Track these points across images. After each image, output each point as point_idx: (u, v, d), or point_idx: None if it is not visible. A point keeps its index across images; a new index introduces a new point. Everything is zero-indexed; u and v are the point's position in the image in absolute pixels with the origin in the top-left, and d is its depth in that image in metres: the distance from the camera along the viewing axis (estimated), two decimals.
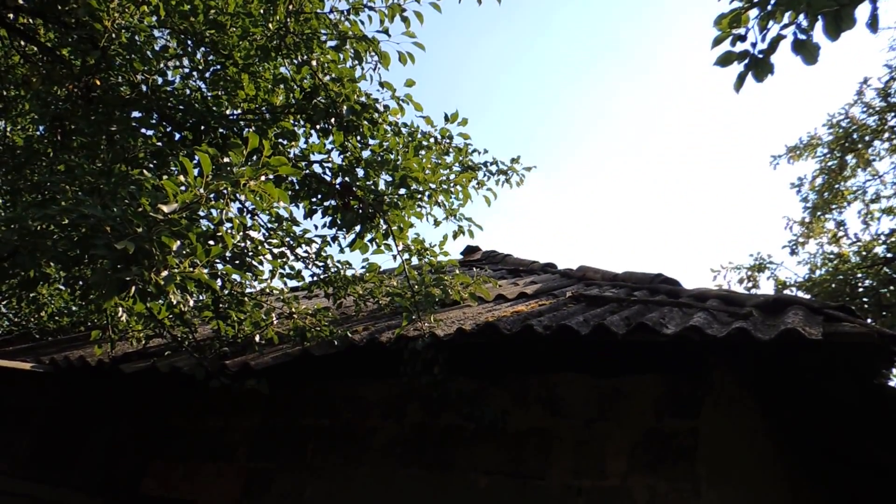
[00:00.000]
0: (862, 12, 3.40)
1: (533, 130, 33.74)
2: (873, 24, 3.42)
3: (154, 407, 5.61)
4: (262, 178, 2.27)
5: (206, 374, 3.86)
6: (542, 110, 32.86)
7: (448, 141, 4.77)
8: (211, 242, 2.69)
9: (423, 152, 4.73)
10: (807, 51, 3.09)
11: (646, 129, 31.95)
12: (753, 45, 3.32)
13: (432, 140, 4.67)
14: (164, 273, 2.15)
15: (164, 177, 2.19)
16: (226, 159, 2.21)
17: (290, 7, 4.21)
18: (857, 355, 3.22)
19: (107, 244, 2.10)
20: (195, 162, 2.31)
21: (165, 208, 2.08)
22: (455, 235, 5.10)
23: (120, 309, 3.90)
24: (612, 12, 28.73)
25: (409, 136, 4.54)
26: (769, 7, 3.20)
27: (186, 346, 4.05)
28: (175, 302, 2.46)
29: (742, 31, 3.31)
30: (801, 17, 3.40)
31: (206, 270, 2.92)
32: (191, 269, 2.23)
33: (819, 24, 3.36)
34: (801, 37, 3.11)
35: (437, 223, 5.00)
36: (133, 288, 2.30)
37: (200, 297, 4.57)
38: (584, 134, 33.80)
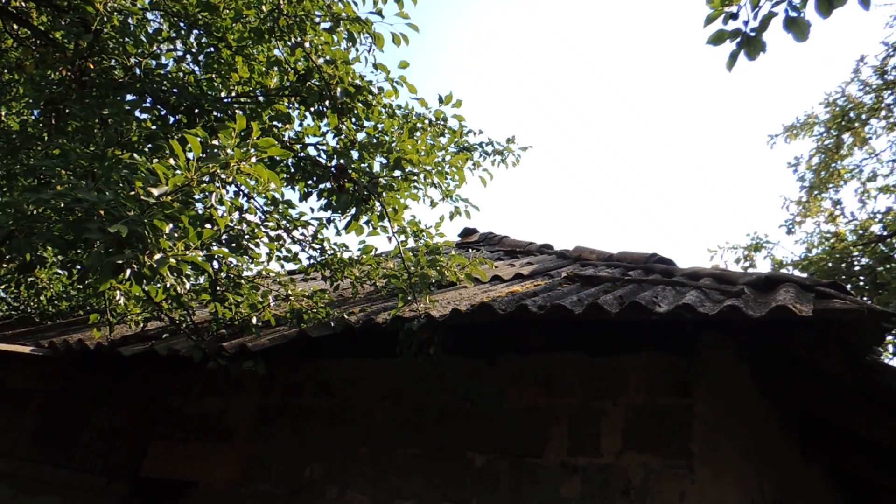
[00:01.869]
0: None
1: (530, 109, 33.61)
2: (865, 0, 3.42)
3: (153, 389, 5.66)
4: (253, 160, 2.28)
5: (204, 356, 3.90)
6: (539, 88, 32.72)
7: (442, 123, 4.77)
8: (208, 226, 2.71)
9: (417, 134, 4.73)
10: (798, 28, 3.09)
11: (643, 107, 31.83)
12: (745, 23, 3.31)
13: (427, 122, 4.67)
14: (158, 256, 2.16)
15: (156, 160, 2.19)
16: (215, 141, 2.22)
17: None
18: (849, 332, 3.24)
19: (100, 228, 2.11)
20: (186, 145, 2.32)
21: (156, 191, 2.09)
22: (451, 216, 5.11)
23: (118, 292, 3.92)
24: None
25: (404, 118, 4.54)
26: None
27: (184, 328, 4.08)
28: (169, 285, 2.48)
29: (734, 9, 3.31)
30: None
31: (201, 253, 2.94)
32: (184, 252, 2.25)
33: (811, 2, 3.36)
34: (793, 14, 3.11)
35: (433, 204, 5.01)
36: (128, 271, 2.32)
37: (199, 281, 4.59)
38: (582, 113, 33.68)
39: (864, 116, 10.78)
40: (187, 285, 3.22)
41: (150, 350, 4.45)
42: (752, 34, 3.34)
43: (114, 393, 5.47)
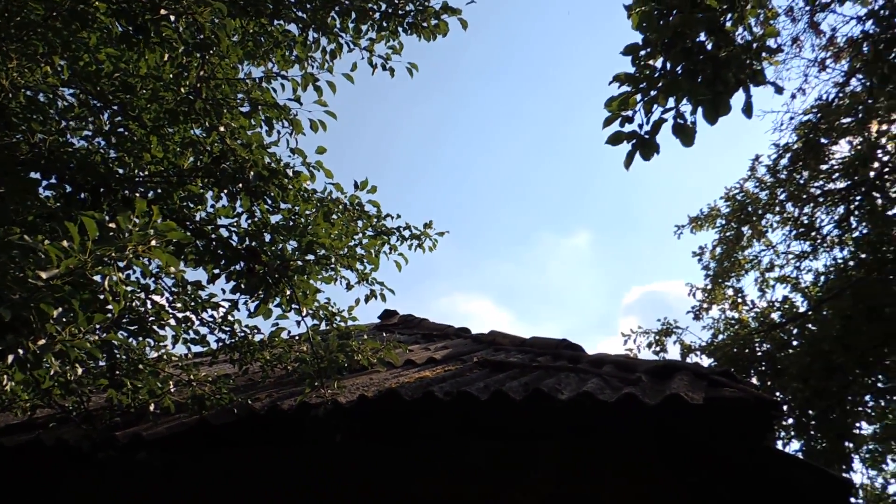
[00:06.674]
0: (739, 100, 3.73)
1: (453, 198, 34.40)
2: (748, 110, 3.75)
3: (41, 483, 5.24)
4: (154, 243, 2.24)
5: (94, 446, 3.67)
6: (461, 178, 33.65)
7: (358, 208, 4.83)
8: (109, 306, 2.61)
9: (334, 217, 4.76)
10: (684, 134, 3.35)
11: (563, 195, 33.12)
12: (640, 126, 3.57)
13: (342, 207, 4.72)
14: (42, 341, 2.07)
15: (47, 241, 2.13)
16: (112, 224, 2.18)
17: (202, 73, 4.23)
18: (741, 418, 3.38)
19: None
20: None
21: (44, 274, 2.03)
22: (367, 299, 5.11)
23: (5, 377, 3.68)
24: (526, 90, 30.10)
25: (319, 202, 4.58)
26: (652, 93, 3.47)
27: (74, 416, 3.85)
28: (53, 372, 2.37)
29: (629, 113, 3.56)
30: (686, 102, 3.70)
31: (95, 338, 2.82)
32: (71, 338, 2.16)
33: (700, 109, 3.67)
34: (680, 121, 3.39)
35: (349, 287, 5.01)
36: (10, 357, 2.21)
37: (101, 364, 4.37)
38: (504, 202, 34.71)
39: (760, 211, 11.59)
40: (79, 371, 3.06)
41: (36, 440, 4.16)
42: (647, 137, 3.60)
43: None
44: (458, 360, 5.10)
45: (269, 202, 4.39)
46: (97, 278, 2.19)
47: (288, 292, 4.10)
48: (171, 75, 4.41)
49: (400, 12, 5.44)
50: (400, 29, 5.48)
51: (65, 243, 2.21)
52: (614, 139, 3.64)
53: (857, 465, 11.59)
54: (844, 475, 9.55)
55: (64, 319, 2.17)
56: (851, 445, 10.50)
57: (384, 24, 5.45)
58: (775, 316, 11.57)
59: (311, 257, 4.26)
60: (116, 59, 4.38)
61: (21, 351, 2.23)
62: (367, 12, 5.32)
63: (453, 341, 6.54)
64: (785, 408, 10.19)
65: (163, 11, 3.41)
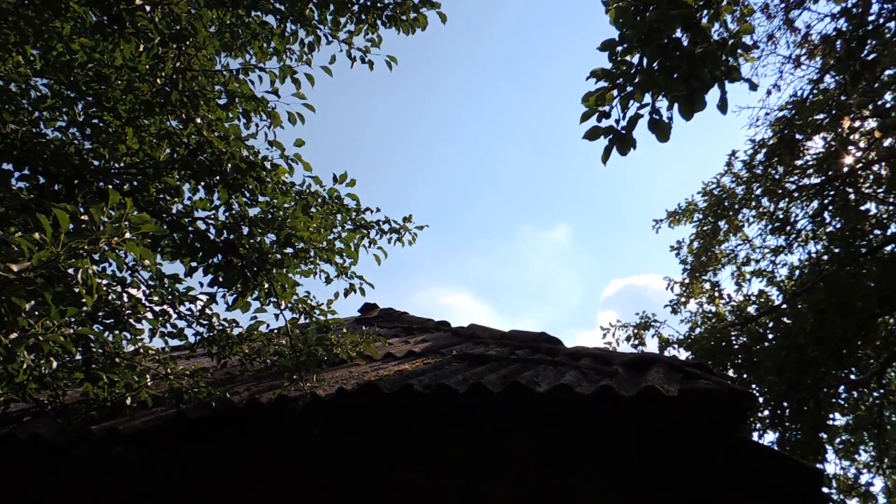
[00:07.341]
0: (714, 96, 3.76)
1: (424, 189, 34.39)
2: (723, 106, 3.79)
3: (15, 477, 5.17)
4: (127, 235, 2.23)
5: (69, 440, 3.63)
6: (433, 169, 33.65)
7: (337, 201, 4.82)
8: (83, 300, 2.58)
9: (313, 210, 4.74)
10: (660, 129, 3.38)
11: (543, 189, 33.25)
12: (617, 121, 3.59)
13: (320, 200, 4.70)
14: (14, 335, 2.05)
15: (18, 234, 2.11)
16: (85, 217, 2.16)
17: (178, 64, 4.19)
18: (715, 410, 3.44)
19: None
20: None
21: (16, 267, 2.00)
22: (346, 293, 5.10)
23: None
24: (511, 90, 30.13)
25: (298, 195, 4.56)
26: (629, 89, 3.49)
27: (49, 410, 3.81)
28: (27, 366, 2.34)
29: (606, 108, 3.58)
30: (661, 97, 3.72)
31: (69, 331, 2.79)
32: (45, 331, 2.14)
33: (676, 106, 3.70)
34: (655, 116, 3.41)
35: (328, 281, 4.99)
36: None
37: (76, 358, 4.33)
38: (484, 197, 34.77)
39: (736, 206, 11.72)
40: (54, 364, 3.03)
41: (10, 434, 4.11)
42: (623, 132, 3.62)
43: None
44: (438, 353, 5.12)
45: (247, 195, 4.36)
46: (70, 271, 2.17)
47: (266, 285, 4.08)
48: (146, 66, 4.36)
49: (378, 5, 5.42)
50: (379, 22, 5.46)
51: (37, 235, 2.18)
52: (591, 134, 3.66)
53: (830, 455, 11.82)
54: (817, 465, 9.74)
55: (37, 313, 2.15)
56: (825, 436, 10.69)
57: (363, 17, 5.43)
58: (751, 309, 11.73)
59: (289, 250, 4.24)
60: (90, 49, 4.32)
61: None
62: (346, 4, 5.29)
63: (433, 335, 6.55)
64: (761, 400, 10.35)
65: (138, 1, 3.37)
